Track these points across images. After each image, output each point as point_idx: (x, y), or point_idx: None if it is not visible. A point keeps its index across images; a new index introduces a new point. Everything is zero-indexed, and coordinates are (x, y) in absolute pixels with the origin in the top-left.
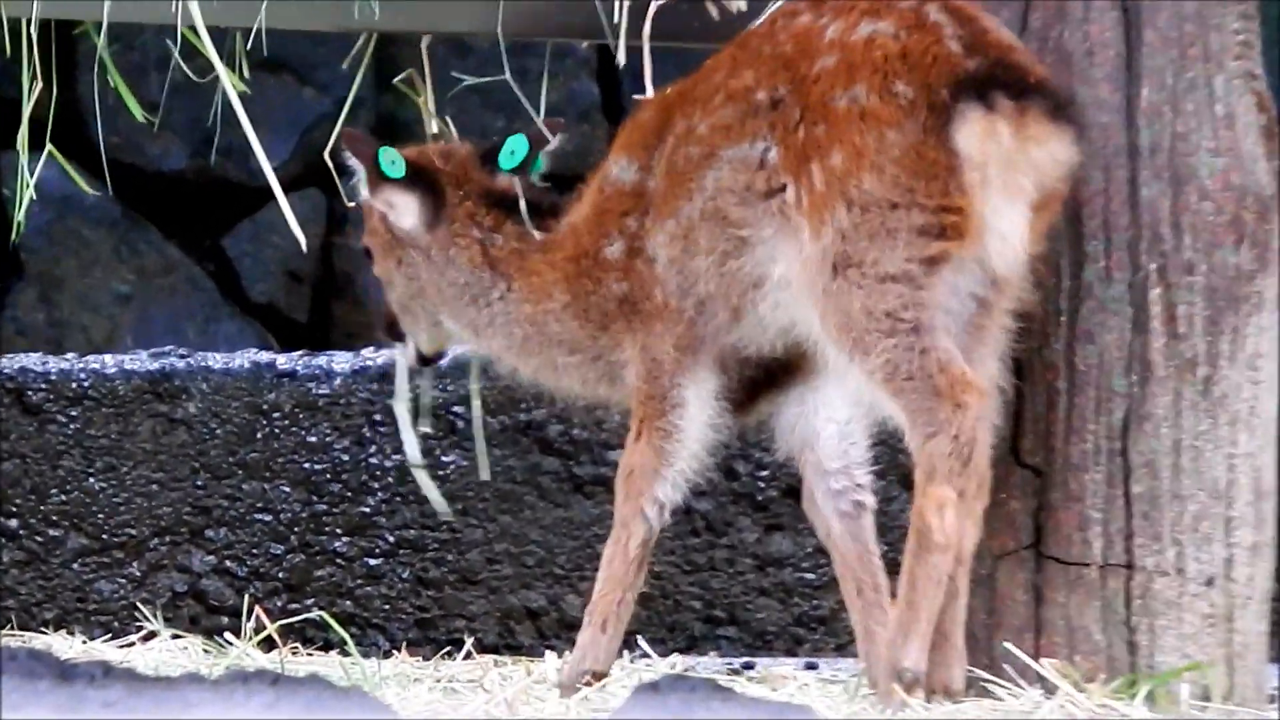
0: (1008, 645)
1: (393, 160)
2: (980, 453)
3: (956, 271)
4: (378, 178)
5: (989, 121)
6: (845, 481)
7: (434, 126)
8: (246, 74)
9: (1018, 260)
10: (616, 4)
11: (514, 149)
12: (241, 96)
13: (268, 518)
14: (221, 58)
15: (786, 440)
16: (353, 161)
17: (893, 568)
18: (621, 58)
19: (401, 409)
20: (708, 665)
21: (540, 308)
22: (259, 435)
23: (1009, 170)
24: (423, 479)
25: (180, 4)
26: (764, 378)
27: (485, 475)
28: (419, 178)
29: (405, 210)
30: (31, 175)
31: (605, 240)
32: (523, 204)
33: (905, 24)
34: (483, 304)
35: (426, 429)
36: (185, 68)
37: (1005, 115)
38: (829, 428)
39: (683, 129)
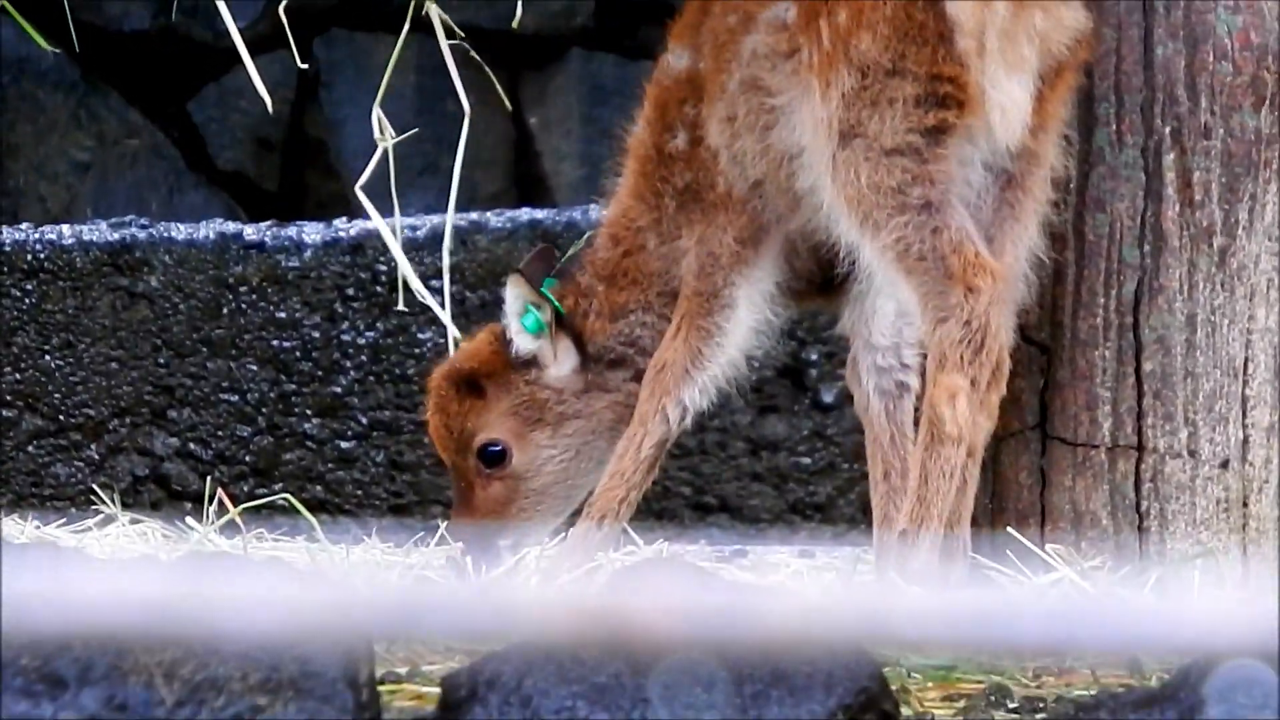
0: (1011, 530)
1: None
2: (994, 340)
3: (965, 144)
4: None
5: None
6: (892, 360)
7: None
8: None
9: (1021, 133)
10: None
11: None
12: None
13: (234, 398)
14: None
15: (847, 315)
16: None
17: None
18: None
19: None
20: (697, 553)
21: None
22: (225, 311)
23: (1008, 39)
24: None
25: None
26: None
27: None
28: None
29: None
30: None
31: (669, 135)
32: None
33: None
34: None
35: None
36: None
37: None
38: (887, 305)
39: None
